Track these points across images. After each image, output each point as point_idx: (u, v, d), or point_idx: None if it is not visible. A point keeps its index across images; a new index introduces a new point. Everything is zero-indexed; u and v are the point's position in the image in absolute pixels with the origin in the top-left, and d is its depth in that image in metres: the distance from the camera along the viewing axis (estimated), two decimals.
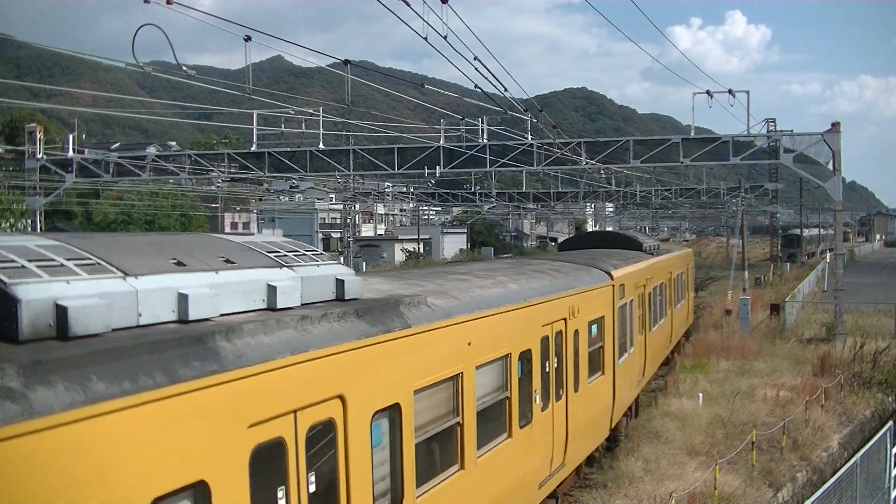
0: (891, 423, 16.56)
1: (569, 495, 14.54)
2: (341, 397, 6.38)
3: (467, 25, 14.90)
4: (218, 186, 60.93)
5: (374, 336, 6.89)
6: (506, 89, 18.76)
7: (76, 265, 4.86)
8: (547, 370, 11.84)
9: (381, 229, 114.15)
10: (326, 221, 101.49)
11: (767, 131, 35.41)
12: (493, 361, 9.87)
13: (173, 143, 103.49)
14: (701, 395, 20.96)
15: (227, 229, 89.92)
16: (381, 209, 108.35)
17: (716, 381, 23.52)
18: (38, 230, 40.84)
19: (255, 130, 38.02)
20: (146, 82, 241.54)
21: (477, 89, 18.03)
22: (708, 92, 32.24)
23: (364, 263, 72.27)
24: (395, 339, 7.29)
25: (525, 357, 10.91)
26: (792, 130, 34.90)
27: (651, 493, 14.16)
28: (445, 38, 14.35)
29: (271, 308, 6.04)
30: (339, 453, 6.39)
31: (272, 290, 6.06)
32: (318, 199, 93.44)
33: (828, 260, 58.91)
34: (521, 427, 10.71)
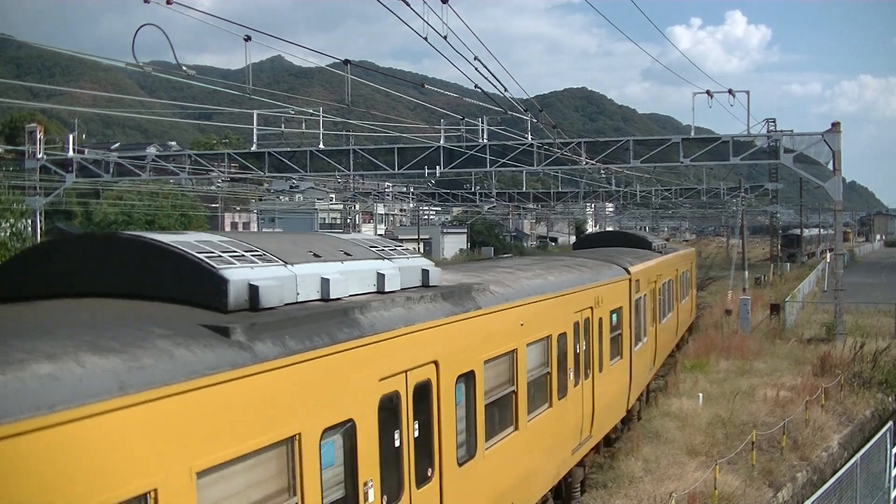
0: (891, 423, 16.57)
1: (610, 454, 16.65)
2: (436, 363, 7.93)
3: (467, 25, 14.90)
4: (218, 186, 60.91)
5: (457, 314, 8.48)
6: (506, 89, 18.75)
7: (252, 255, 6.36)
8: (578, 351, 13.31)
9: (381, 229, 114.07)
10: (326, 221, 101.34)
11: (767, 131, 35.40)
12: (539, 341, 11.46)
13: (173, 143, 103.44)
14: (701, 395, 20.96)
15: (228, 229, 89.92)
16: (381, 209, 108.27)
17: (716, 381, 23.51)
18: (39, 230, 40.84)
19: (255, 130, 38.01)
20: (146, 82, 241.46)
21: (477, 89, 18.01)
22: (708, 92, 32.23)
23: None
24: (471, 317, 8.87)
25: (562, 338, 12.44)
26: (792, 130, 34.95)
27: (651, 493, 14.15)
28: (445, 38, 14.34)
29: (380, 291, 7.54)
30: (433, 408, 7.93)
31: (381, 276, 7.60)
32: (318, 199, 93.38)
33: (828, 260, 58.90)
34: (559, 399, 12.23)
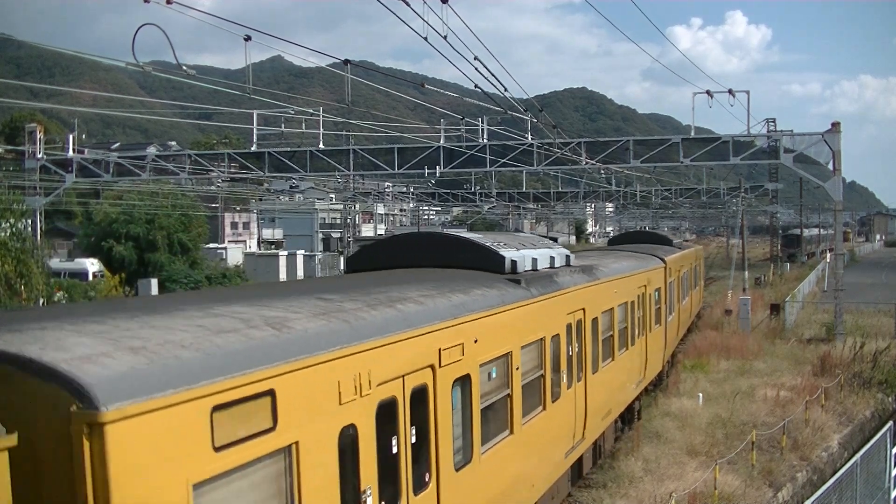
0: (891, 423, 16.56)
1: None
2: (584, 309, 13.34)
3: (467, 25, 14.88)
4: (218, 186, 60.84)
5: (590, 282, 13.86)
6: (506, 89, 18.70)
7: (502, 244, 11.35)
8: (639, 315, 18.71)
9: (382, 229, 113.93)
10: (326, 221, 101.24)
11: (767, 131, 35.38)
12: (622, 304, 16.79)
13: (173, 143, 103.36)
14: (701, 395, 20.97)
15: (228, 229, 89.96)
16: (381, 209, 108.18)
17: (716, 381, 23.52)
18: (39, 230, 40.81)
19: (255, 130, 37.92)
20: (146, 82, 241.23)
21: (477, 89, 17.96)
22: (708, 92, 32.20)
23: None
24: (596, 284, 14.29)
25: (632, 305, 17.80)
26: (792, 130, 34.92)
27: (651, 493, 14.16)
28: (445, 38, 14.31)
29: (552, 266, 12.47)
30: (583, 336, 13.40)
31: (552, 258, 12.70)
32: (318, 199, 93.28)
33: (828, 260, 58.89)
34: (631, 346, 17.69)
